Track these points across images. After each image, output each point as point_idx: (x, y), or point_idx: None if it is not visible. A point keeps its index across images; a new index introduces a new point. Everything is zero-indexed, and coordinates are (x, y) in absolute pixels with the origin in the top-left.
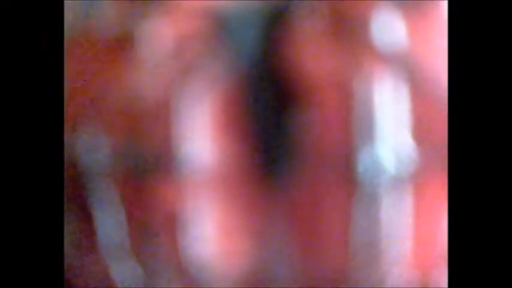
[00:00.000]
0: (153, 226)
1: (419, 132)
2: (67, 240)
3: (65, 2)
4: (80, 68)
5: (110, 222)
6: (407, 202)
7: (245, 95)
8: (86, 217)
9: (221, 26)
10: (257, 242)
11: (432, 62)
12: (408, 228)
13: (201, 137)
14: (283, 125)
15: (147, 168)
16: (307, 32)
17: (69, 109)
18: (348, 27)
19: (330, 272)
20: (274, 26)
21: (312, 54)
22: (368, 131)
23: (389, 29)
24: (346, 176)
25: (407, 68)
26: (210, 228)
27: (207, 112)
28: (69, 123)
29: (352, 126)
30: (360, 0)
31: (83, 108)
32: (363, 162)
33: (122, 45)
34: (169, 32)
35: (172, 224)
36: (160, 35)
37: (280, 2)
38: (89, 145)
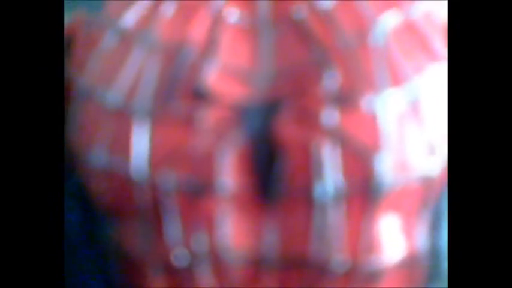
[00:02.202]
0: (199, 227)
1: (345, 175)
2: (141, 232)
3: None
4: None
5: (172, 223)
6: (343, 213)
7: (253, 154)
8: (158, 220)
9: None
10: (257, 236)
11: (358, 137)
12: (344, 229)
13: (229, 175)
14: (273, 170)
15: (198, 191)
16: (288, 120)
17: (154, 153)
18: (312, 115)
19: (300, 254)
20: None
21: (289, 131)
22: (319, 174)
23: (332, 116)
24: (308, 199)
25: (341, 139)
26: (231, 228)
27: (233, 161)
28: (154, 167)
29: (311, 172)
30: (318, 98)
31: (168, 156)
32: (317, 191)
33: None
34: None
35: (211, 225)
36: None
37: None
38: (165, 178)
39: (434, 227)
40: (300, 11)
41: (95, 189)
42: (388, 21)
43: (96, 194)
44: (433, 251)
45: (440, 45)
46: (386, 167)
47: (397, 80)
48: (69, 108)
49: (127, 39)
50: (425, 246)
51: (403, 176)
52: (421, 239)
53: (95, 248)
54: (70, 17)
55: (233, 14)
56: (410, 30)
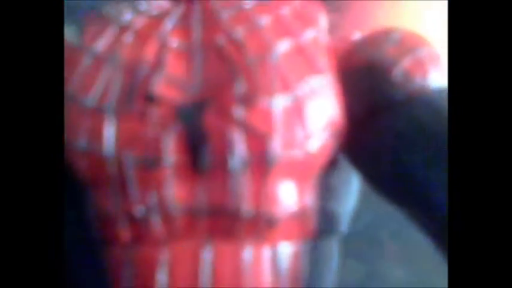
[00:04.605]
0: (152, 190)
1: (249, 151)
2: (112, 195)
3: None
4: None
5: (133, 187)
6: (248, 177)
7: (187, 138)
8: (123, 186)
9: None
10: (192, 195)
11: (257, 126)
12: (249, 189)
13: (171, 153)
14: (202, 149)
15: (150, 165)
16: (211, 115)
17: (119, 139)
18: (227, 111)
19: (221, 206)
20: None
21: (212, 122)
22: (232, 151)
23: (240, 112)
24: (225, 168)
25: (246, 127)
26: (173, 190)
27: (173, 143)
28: None
29: (227, 150)
30: (231, 100)
31: (128, 141)
32: (231, 163)
33: None
34: None
35: (160, 188)
36: None
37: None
38: (127, 156)
39: (325, 194)
40: (221, 39)
41: (79, 167)
42: (282, 46)
43: (79, 170)
44: (323, 212)
45: (323, 62)
46: (276, 146)
47: (285, 86)
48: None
49: (99, 60)
50: (314, 206)
51: (288, 152)
52: (310, 199)
53: (77, 210)
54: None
55: (174, 41)
56: (299, 52)
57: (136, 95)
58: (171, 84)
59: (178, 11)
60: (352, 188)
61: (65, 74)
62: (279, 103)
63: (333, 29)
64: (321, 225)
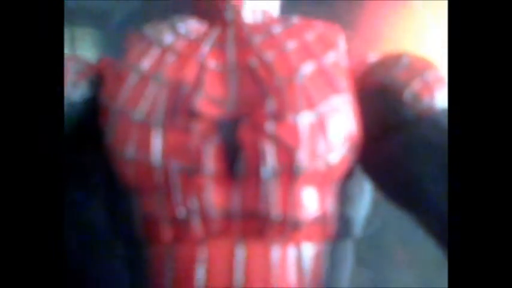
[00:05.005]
0: (193, 194)
1: (279, 162)
2: (157, 199)
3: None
4: None
5: (177, 192)
6: (277, 185)
7: (225, 149)
8: (168, 191)
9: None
10: (228, 200)
11: (286, 139)
12: (278, 195)
13: (210, 162)
14: (237, 159)
15: (192, 172)
16: (245, 129)
17: (165, 149)
18: (260, 126)
19: (254, 210)
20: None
21: (246, 136)
22: (264, 161)
23: (271, 127)
24: (258, 176)
25: (276, 140)
26: (212, 195)
27: (213, 154)
28: None
29: (259, 160)
30: (263, 116)
31: (173, 151)
32: (263, 172)
33: None
34: None
35: (200, 193)
36: None
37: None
38: (172, 164)
39: (343, 201)
40: (253, 61)
41: (126, 174)
42: (307, 68)
43: (126, 177)
44: (341, 217)
45: (343, 83)
46: (303, 157)
47: (310, 105)
48: (108, 123)
49: (145, 78)
50: (334, 211)
51: (312, 163)
52: (330, 205)
53: (118, 215)
54: (98, 59)
55: (212, 63)
56: (321, 73)
57: (180, 111)
58: (210, 101)
59: (214, 34)
60: (365, 195)
61: (109, 91)
62: (305, 119)
63: (350, 50)
64: (339, 229)
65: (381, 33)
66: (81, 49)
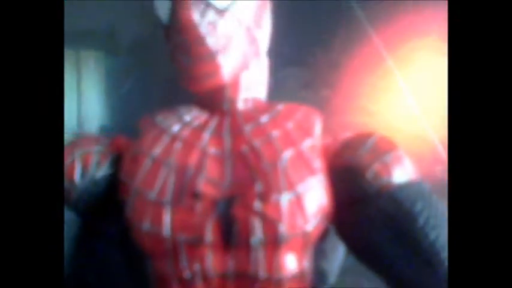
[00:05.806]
0: (196, 260)
1: (265, 234)
2: (167, 263)
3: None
4: None
5: (183, 258)
6: (265, 252)
7: (222, 223)
8: (176, 257)
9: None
10: (224, 264)
11: (271, 215)
12: (265, 259)
13: (210, 233)
14: (232, 231)
15: (196, 242)
16: (238, 206)
17: (173, 224)
18: (250, 205)
19: (245, 271)
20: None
21: (239, 212)
22: (254, 233)
23: (259, 205)
24: (248, 245)
25: (263, 216)
26: (211, 260)
27: (212, 226)
28: None
29: (250, 232)
30: (253, 196)
31: (181, 225)
32: (252, 241)
33: None
34: None
35: (203, 259)
36: None
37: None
38: (179, 236)
39: (317, 257)
40: (245, 148)
41: (143, 242)
42: (288, 153)
43: (143, 244)
44: (316, 270)
45: (317, 164)
46: (284, 230)
47: (290, 186)
48: (127, 200)
49: (157, 163)
50: (310, 266)
51: (293, 233)
52: (307, 263)
53: (136, 272)
54: (115, 137)
55: (211, 149)
56: (300, 158)
57: (185, 192)
58: (210, 183)
59: (214, 123)
60: (339, 249)
61: (127, 170)
62: (285, 198)
63: (325, 129)
64: (314, 281)
65: (358, 91)
66: (85, 72)
